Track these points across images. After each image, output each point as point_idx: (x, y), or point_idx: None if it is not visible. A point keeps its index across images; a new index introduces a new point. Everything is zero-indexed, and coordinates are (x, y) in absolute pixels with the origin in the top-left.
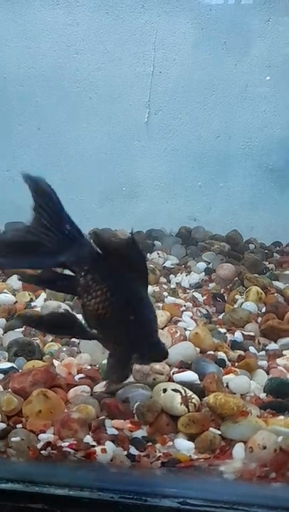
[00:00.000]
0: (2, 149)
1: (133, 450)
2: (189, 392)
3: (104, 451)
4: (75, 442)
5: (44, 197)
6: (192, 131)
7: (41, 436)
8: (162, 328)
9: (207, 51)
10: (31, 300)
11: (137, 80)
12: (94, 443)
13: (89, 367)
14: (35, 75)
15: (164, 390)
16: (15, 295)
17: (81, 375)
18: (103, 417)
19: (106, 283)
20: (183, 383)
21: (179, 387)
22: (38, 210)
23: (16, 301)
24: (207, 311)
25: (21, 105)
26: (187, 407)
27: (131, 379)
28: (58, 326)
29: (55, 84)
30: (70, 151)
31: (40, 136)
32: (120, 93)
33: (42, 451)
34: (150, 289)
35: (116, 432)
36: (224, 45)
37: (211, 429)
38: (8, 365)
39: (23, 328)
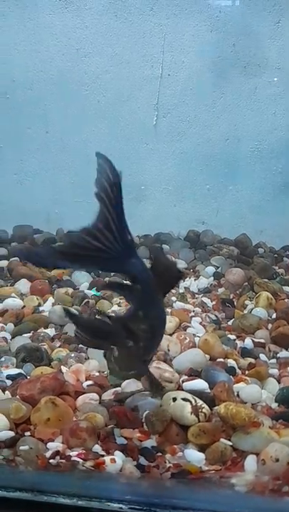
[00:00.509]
0: (10, 153)
1: (143, 460)
2: (199, 402)
3: (113, 461)
4: (84, 451)
5: (112, 196)
6: (201, 134)
7: (50, 444)
8: (171, 335)
9: (216, 53)
10: (39, 304)
11: (146, 83)
12: (103, 452)
13: (97, 373)
14: (44, 79)
15: (174, 399)
16: (23, 299)
17: (89, 382)
18: (112, 425)
19: (157, 300)
20: (193, 392)
21: (189, 396)
22: (102, 214)
23: (24, 306)
24: (216, 316)
25: (30, 108)
26: (197, 416)
27: (140, 387)
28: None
29: (63, 87)
30: (78, 154)
31: (48, 140)
32: (128, 96)
33: (50, 460)
34: None
35: (125, 442)
36: (233, 48)
37: (222, 439)
38: (17, 371)
39: (31, 334)
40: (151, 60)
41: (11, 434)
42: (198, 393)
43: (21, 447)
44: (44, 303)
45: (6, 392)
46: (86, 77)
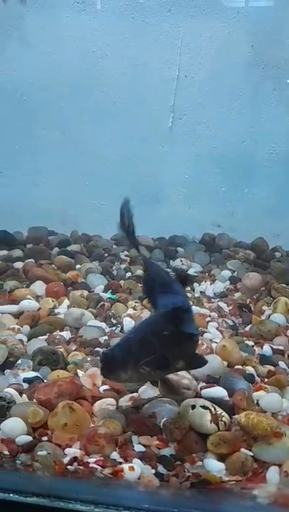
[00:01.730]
0: (26, 154)
1: (161, 469)
2: (219, 410)
3: (132, 469)
4: (102, 458)
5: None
6: (217, 136)
7: (67, 450)
8: None
9: (233, 55)
10: (55, 307)
11: (162, 84)
12: (121, 460)
13: None
14: (60, 80)
15: (193, 407)
16: (38, 301)
17: (106, 387)
18: (130, 432)
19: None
20: (211, 399)
21: (208, 403)
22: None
23: (40, 308)
24: (233, 322)
25: (46, 110)
26: (217, 425)
27: (157, 393)
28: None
29: (79, 89)
30: (93, 156)
31: (64, 141)
32: (145, 98)
33: (68, 467)
34: None
35: (143, 449)
36: (251, 49)
37: (243, 450)
38: (33, 374)
39: (46, 336)
40: (168, 61)
41: (29, 438)
42: (217, 401)
43: (39, 452)
44: (59, 305)
45: (23, 395)
46: (102, 79)
